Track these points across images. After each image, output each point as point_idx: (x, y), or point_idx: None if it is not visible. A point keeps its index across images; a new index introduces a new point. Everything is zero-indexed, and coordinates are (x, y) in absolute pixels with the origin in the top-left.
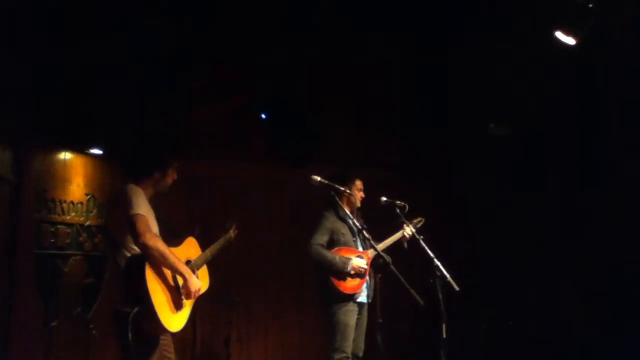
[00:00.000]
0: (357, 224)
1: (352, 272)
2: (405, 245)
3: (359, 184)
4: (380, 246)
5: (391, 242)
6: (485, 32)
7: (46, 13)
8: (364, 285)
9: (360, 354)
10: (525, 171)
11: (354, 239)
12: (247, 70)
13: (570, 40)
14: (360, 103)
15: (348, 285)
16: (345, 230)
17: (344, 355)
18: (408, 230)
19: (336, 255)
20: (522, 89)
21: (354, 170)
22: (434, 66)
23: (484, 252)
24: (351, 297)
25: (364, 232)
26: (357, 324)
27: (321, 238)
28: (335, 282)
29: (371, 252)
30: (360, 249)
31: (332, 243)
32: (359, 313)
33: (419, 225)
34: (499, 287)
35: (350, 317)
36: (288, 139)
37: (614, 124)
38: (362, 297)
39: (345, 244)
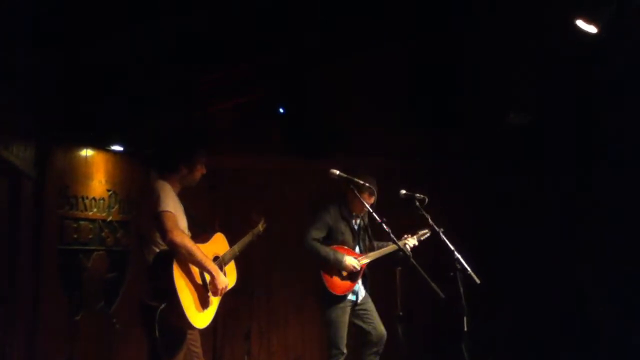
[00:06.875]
0: (363, 224)
1: (345, 271)
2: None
3: (366, 197)
4: (371, 256)
5: (381, 254)
6: (491, 25)
7: (63, 10)
8: (354, 287)
9: (384, 337)
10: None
11: (354, 240)
12: (261, 65)
13: (592, 29)
14: (375, 94)
15: (339, 287)
16: (345, 229)
17: (338, 351)
18: (411, 242)
19: (330, 251)
20: (534, 78)
21: (374, 185)
22: (447, 57)
23: (499, 242)
24: (342, 298)
25: (384, 225)
26: (362, 315)
27: (317, 233)
28: (328, 283)
29: (373, 255)
30: (357, 251)
31: (330, 240)
32: (360, 306)
33: (422, 238)
34: (517, 277)
35: (341, 314)
36: (303, 132)
37: (612, 116)
38: (352, 296)
39: (344, 243)
